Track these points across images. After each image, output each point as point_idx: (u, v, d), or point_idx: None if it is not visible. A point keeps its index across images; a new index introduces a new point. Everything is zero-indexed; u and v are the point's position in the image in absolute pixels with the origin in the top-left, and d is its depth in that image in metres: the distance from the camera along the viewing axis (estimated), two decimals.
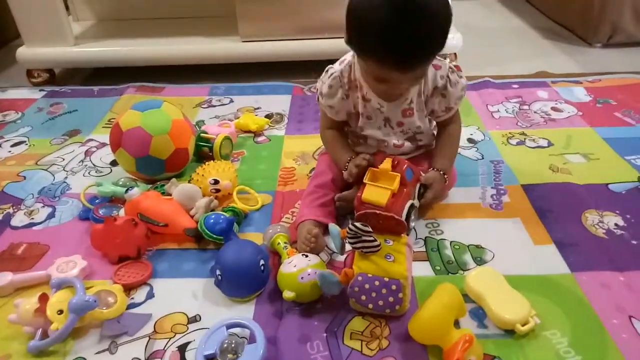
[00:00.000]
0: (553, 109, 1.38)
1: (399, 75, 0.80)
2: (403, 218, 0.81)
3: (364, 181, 0.83)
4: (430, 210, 0.98)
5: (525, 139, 1.24)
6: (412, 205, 0.85)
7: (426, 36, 0.76)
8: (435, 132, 1.00)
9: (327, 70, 0.95)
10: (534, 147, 1.20)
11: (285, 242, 0.86)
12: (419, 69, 0.82)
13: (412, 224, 0.87)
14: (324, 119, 1.01)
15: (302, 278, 0.77)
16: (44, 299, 0.76)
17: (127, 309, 0.79)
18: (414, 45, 0.76)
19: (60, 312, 0.74)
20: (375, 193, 0.80)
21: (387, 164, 0.84)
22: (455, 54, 1.66)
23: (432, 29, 0.76)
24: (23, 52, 1.62)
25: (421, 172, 0.92)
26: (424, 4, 0.74)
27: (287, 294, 0.76)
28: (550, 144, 1.21)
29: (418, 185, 0.90)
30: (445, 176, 0.94)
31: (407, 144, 0.98)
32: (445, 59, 0.93)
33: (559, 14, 2.07)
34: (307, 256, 0.81)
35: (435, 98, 0.92)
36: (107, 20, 1.90)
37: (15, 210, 1.05)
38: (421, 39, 0.76)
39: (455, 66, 0.91)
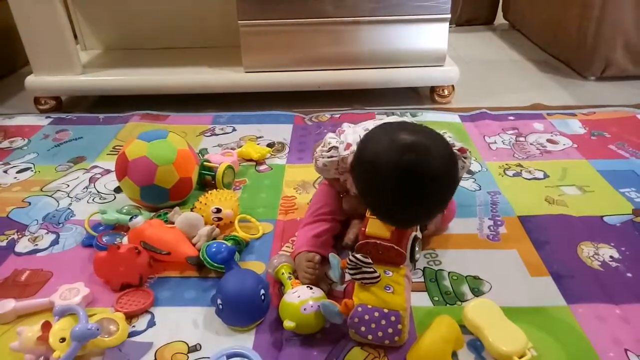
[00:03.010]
0: (549, 140, 1.41)
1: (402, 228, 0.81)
2: (408, 250, 0.82)
3: (367, 215, 0.84)
4: (428, 242, 1.00)
5: (521, 170, 1.26)
6: (415, 237, 0.86)
7: (431, 207, 0.77)
8: None
9: (329, 148, 0.92)
10: (530, 179, 1.23)
11: (289, 273, 0.88)
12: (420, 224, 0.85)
13: (417, 256, 0.87)
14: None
15: (304, 309, 0.77)
16: (46, 326, 0.76)
17: (128, 337, 0.80)
18: (417, 215, 0.78)
19: (63, 340, 0.75)
20: (379, 226, 0.82)
21: None
22: (452, 86, 1.70)
23: (438, 201, 0.76)
24: (32, 80, 1.66)
25: None
26: (435, 177, 0.72)
27: (288, 324, 0.77)
28: (546, 176, 1.24)
29: None
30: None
31: None
32: (444, 132, 0.89)
33: (554, 47, 2.13)
34: (311, 288, 0.82)
35: None
36: (114, 49, 1.95)
37: (20, 236, 1.06)
38: (427, 208, 0.76)
39: (460, 150, 0.90)
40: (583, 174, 1.24)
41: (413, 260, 0.85)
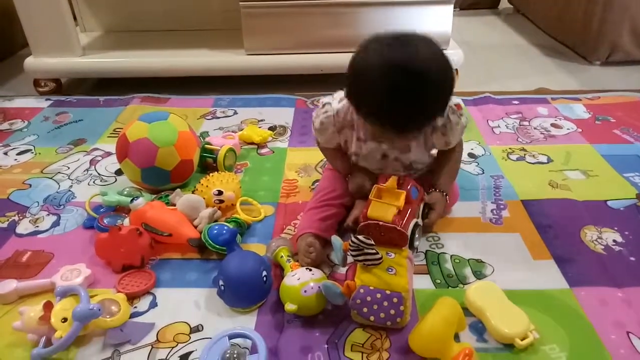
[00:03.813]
0: (553, 125, 1.40)
1: (395, 135, 0.82)
2: (408, 236, 0.82)
3: (370, 198, 0.84)
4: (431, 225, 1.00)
5: (525, 154, 1.25)
6: (416, 224, 0.85)
7: (425, 102, 0.75)
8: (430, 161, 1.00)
9: (323, 105, 0.94)
10: (533, 163, 1.22)
11: (288, 256, 0.87)
12: (415, 130, 0.83)
13: (417, 243, 0.87)
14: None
15: (305, 291, 0.77)
16: (48, 306, 0.76)
17: (130, 317, 0.80)
18: (412, 110, 0.76)
19: (65, 320, 0.75)
20: (381, 209, 0.81)
21: (392, 182, 0.85)
22: (456, 69, 1.68)
23: (431, 95, 0.75)
24: (31, 62, 1.64)
25: (425, 193, 0.93)
26: (426, 69, 0.73)
27: (289, 307, 0.76)
28: (549, 160, 1.23)
29: (422, 204, 0.91)
30: (447, 196, 0.95)
31: (403, 173, 0.98)
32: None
33: (559, 32, 2.10)
34: (310, 270, 0.82)
35: (435, 135, 0.91)
36: (114, 31, 1.93)
37: (21, 218, 1.06)
38: (420, 104, 0.75)
39: (455, 105, 0.89)
40: (587, 159, 1.23)
41: (412, 246, 0.85)
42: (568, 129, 1.38)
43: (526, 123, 1.41)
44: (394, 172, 0.95)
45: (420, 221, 0.89)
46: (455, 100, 0.88)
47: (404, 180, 0.87)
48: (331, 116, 0.92)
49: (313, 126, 0.97)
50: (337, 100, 0.93)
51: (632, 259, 0.91)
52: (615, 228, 0.99)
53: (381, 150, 0.93)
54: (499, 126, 1.40)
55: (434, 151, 0.99)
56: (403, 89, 0.73)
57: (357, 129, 0.93)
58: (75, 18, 1.81)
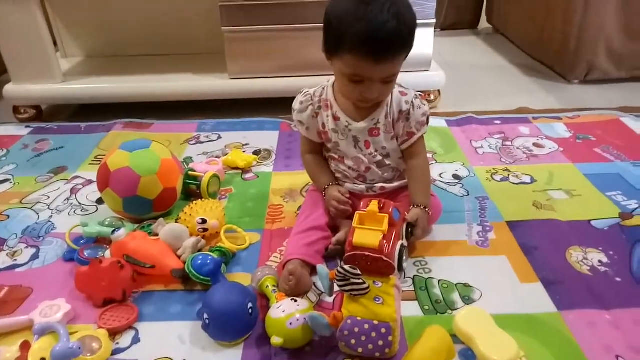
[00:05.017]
0: (535, 144, 1.41)
1: (374, 66, 0.85)
2: (396, 259, 0.81)
3: (353, 225, 0.83)
4: (417, 249, 0.99)
5: (509, 175, 1.26)
6: (402, 246, 0.85)
7: (396, 26, 0.83)
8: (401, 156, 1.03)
9: (302, 91, 1.04)
10: (517, 184, 1.23)
11: (274, 286, 0.86)
12: (390, 62, 0.87)
13: (405, 265, 0.87)
14: (303, 142, 1.07)
15: (290, 324, 0.76)
16: (25, 346, 0.74)
17: (112, 355, 0.78)
18: (386, 32, 0.83)
19: None
20: (366, 236, 0.81)
21: (373, 206, 0.85)
22: (438, 90, 1.70)
23: (401, 22, 0.84)
24: (10, 88, 1.62)
25: (405, 212, 0.93)
26: (393, 1, 0.84)
27: (275, 340, 0.75)
28: (533, 180, 1.24)
29: (405, 225, 0.91)
30: (427, 210, 0.96)
31: (378, 172, 1.01)
32: (429, 96, 0.97)
33: (538, 51, 2.14)
34: (296, 301, 0.80)
35: (400, 122, 0.97)
36: (96, 56, 1.92)
37: None
38: (392, 27, 0.83)
39: (420, 94, 0.99)
40: (570, 178, 1.24)
41: (401, 269, 0.85)
42: (550, 148, 1.40)
43: (509, 143, 1.43)
44: (369, 165, 1.00)
45: (405, 243, 0.89)
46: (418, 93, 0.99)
47: (384, 203, 0.87)
48: (309, 95, 1.01)
49: (293, 110, 1.04)
50: (312, 88, 1.03)
51: (618, 279, 0.91)
52: (600, 248, 0.99)
53: (351, 133, 0.98)
54: (482, 147, 1.41)
55: (398, 151, 1.01)
56: (375, 12, 0.82)
57: (330, 106, 0.99)
58: (55, 43, 1.79)
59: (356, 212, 0.86)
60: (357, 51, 0.85)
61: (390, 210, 0.85)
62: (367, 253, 0.79)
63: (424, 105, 0.98)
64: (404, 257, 0.87)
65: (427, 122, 0.98)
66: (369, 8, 0.83)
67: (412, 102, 0.97)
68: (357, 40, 0.84)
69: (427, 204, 0.97)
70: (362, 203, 0.88)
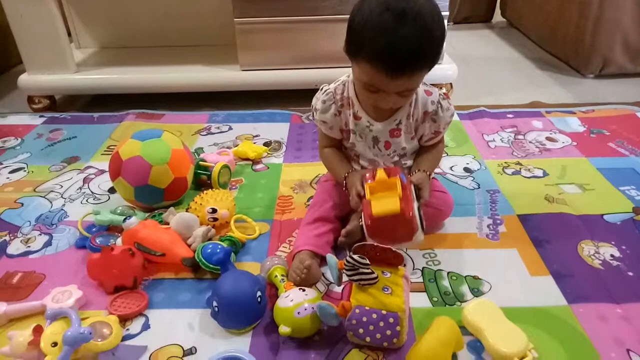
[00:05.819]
0: (548, 138, 1.40)
1: (389, 81, 0.82)
2: (417, 217, 0.81)
3: (366, 199, 0.83)
4: (427, 241, 0.98)
5: (520, 168, 1.25)
6: (418, 207, 0.84)
7: (418, 43, 0.79)
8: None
9: (322, 88, 0.99)
10: (529, 177, 1.22)
11: (282, 275, 0.86)
12: (407, 78, 0.83)
13: (425, 223, 0.86)
14: (321, 137, 1.03)
15: (298, 313, 0.76)
16: (38, 330, 0.75)
17: (122, 340, 0.78)
18: (406, 49, 0.78)
19: (55, 344, 0.73)
20: (384, 203, 0.79)
21: (381, 173, 0.84)
22: (450, 83, 1.69)
23: (424, 38, 0.79)
24: (25, 79, 1.64)
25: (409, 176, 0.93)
26: (421, 15, 0.78)
27: (283, 329, 0.75)
28: (545, 174, 1.22)
29: (413, 188, 0.90)
30: (430, 176, 0.96)
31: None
32: (440, 88, 0.95)
33: (552, 45, 2.11)
34: (304, 290, 0.80)
35: (426, 123, 0.95)
36: (109, 47, 1.94)
37: (12, 237, 1.04)
38: (413, 44, 0.78)
39: (444, 94, 0.96)
40: (583, 172, 1.23)
41: (422, 227, 0.84)
42: (563, 142, 1.38)
43: (521, 137, 1.41)
44: (388, 164, 0.97)
45: (417, 203, 0.88)
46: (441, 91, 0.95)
47: (391, 169, 0.86)
48: (331, 93, 0.96)
49: (315, 109, 0.98)
50: (333, 83, 0.97)
51: (630, 273, 0.90)
52: (613, 242, 0.98)
53: (372, 134, 0.95)
54: (494, 140, 1.40)
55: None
56: (398, 26, 0.77)
57: (352, 105, 0.95)
58: (69, 34, 1.81)
59: (365, 185, 0.85)
60: (373, 63, 0.81)
61: (398, 174, 0.85)
62: (376, 243, 0.78)
63: (451, 105, 0.95)
64: (422, 216, 0.86)
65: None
66: (393, 18, 0.77)
67: (438, 102, 0.93)
68: (374, 53, 0.80)
69: (430, 172, 0.97)
70: (366, 175, 0.86)
